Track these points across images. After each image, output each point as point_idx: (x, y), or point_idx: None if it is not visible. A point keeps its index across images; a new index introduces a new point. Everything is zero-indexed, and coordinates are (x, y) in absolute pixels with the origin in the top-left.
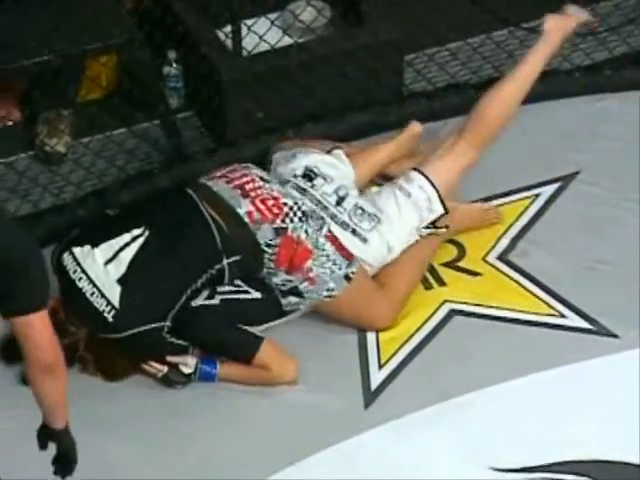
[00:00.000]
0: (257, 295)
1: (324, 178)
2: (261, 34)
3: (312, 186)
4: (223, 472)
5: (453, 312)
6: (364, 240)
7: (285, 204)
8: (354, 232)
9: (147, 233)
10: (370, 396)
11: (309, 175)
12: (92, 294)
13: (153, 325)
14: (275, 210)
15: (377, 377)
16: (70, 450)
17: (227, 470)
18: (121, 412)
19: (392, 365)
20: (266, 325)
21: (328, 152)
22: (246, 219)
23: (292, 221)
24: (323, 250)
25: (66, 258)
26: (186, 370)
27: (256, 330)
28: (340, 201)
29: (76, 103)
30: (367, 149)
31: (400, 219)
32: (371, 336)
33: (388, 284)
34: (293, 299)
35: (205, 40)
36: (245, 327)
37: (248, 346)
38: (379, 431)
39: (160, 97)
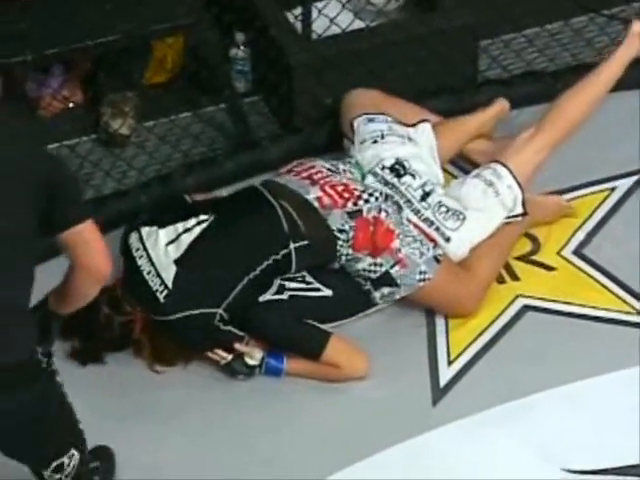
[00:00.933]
0: (328, 293)
1: (413, 175)
2: (332, 17)
3: (399, 181)
4: (286, 469)
5: (526, 308)
6: (447, 239)
7: (356, 189)
8: (437, 230)
9: (212, 219)
10: (438, 393)
11: (398, 170)
12: (149, 273)
13: (205, 310)
14: (346, 195)
15: (446, 374)
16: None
17: (290, 467)
18: (179, 403)
19: (462, 361)
20: (338, 322)
21: (413, 125)
22: (316, 204)
23: (367, 202)
24: (408, 231)
25: (132, 237)
26: (251, 362)
27: (326, 326)
28: (425, 197)
29: (141, 85)
30: (453, 120)
31: (486, 217)
32: (440, 331)
33: (472, 269)
34: (386, 289)
35: (274, 22)
36: (313, 323)
37: (316, 343)
38: (447, 429)
39: (226, 81)
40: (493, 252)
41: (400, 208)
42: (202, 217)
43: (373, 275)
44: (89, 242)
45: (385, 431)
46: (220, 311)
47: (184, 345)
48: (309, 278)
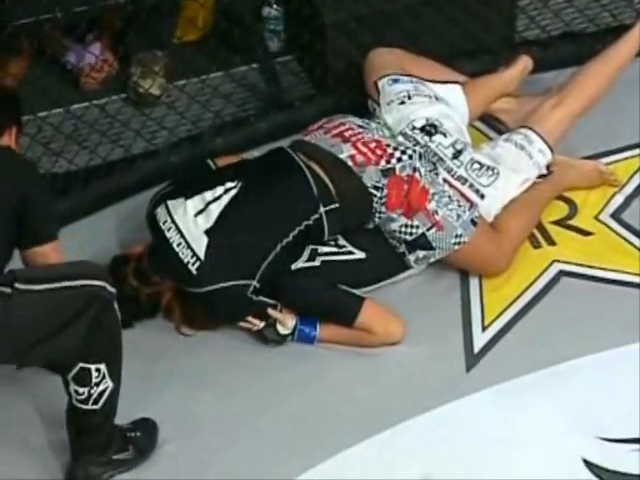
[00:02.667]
0: (361, 255)
1: (444, 134)
2: None
3: (430, 140)
4: (317, 435)
5: (562, 273)
6: (481, 196)
7: (389, 146)
8: (471, 186)
9: (239, 186)
10: (472, 359)
11: (429, 130)
12: (179, 245)
13: (238, 282)
14: (378, 152)
15: (480, 339)
16: None
17: (321, 433)
18: (210, 367)
19: (496, 327)
20: (371, 287)
21: (441, 82)
22: (349, 162)
23: (400, 160)
24: (443, 192)
25: (159, 210)
26: (283, 331)
27: (360, 291)
28: (457, 154)
29: (171, 44)
30: (479, 80)
31: (518, 177)
32: (475, 297)
33: (504, 228)
34: (421, 253)
35: None
36: (346, 288)
37: (349, 308)
38: (481, 396)
39: (259, 40)
40: (524, 212)
41: (435, 167)
42: (229, 184)
43: (408, 237)
44: (50, 260)
45: (418, 397)
46: (254, 282)
47: (215, 316)
48: (341, 241)
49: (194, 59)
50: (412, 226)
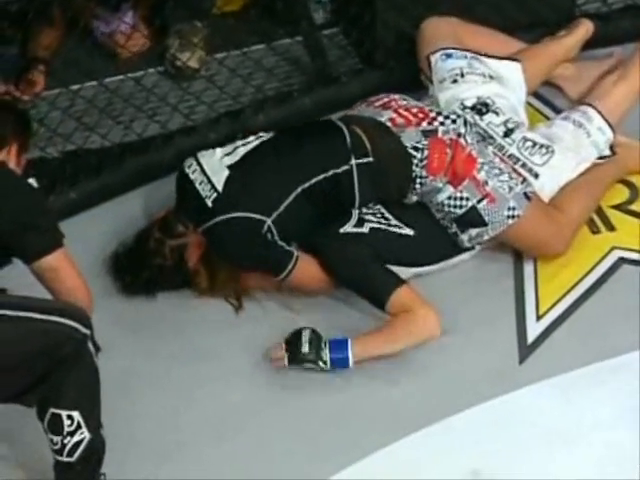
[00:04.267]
0: (409, 232)
1: (495, 112)
2: None
3: (480, 119)
4: (362, 430)
5: (622, 260)
6: (535, 175)
7: (432, 111)
8: (524, 166)
9: (272, 135)
10: (526, 350)
11: (480, 109)
12: (200, 183)
13: (252, 215)
14: (420, 115)
15: (534, 329)
16: None
17: (367, 427)
18: (239, 367)
19: (551, 317)
20: (423, 269)
21: (499, 59)
22: (388, 124)
23: (443, 124)
24: (493, 163)
25: (188, 161)
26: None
27: (411, 271)
28: (508, 133)
29: (211, 15)
30: (539, 47)
31: (576, 156)
32: (529, 284)
33: (562, 209)
34: (474, 231)
35: None
36: (390, 267)
37: (387, 286)
38: (534, 389)
39: (304, 11)
40: (584, 193)
41: (484, 140)
42: (262, 134)
43: (458, 211)
44: (59, 272)
45: (468, 390)
46: (269, 222)
47: (235, 260)
48: (387, 215)
49: (235, 31)
50: (461, 198)
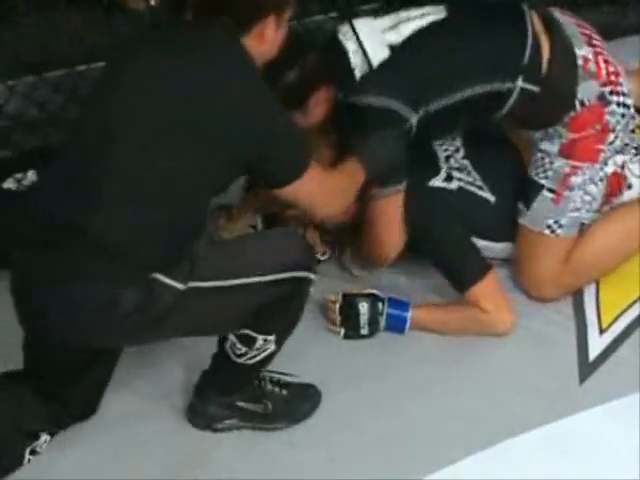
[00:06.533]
0: (490, 197)
1: None
2: None
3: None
4: (413, 453)
5: None
6: (629, 186)
7: (621, 84)
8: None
9: (444, 14)
10: (587, 368)
11: None
12: (354, 52)
13: (399, 105)
14: (612, 77)
15: (597, 345)
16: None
17: (418, 449)
18: (320, 367)
19: (616, 330)
20: (485, 242)
21: None
22: (579, 62)
23: (618, 105)
24: (596, 180)
25: (342, 27)
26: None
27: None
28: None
29: None
30: None
31: None
32: (589, 294)
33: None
34: (521, 205)
35: None
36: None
37: (473, 272)
38: (597, 412)
39: None
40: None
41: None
42: (428, 9)
43: (540, 173)
44: (313, 196)
45: (523, 413)
46: (414, 119)
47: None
48: (474, 172)
49: None
50: (546, 169)
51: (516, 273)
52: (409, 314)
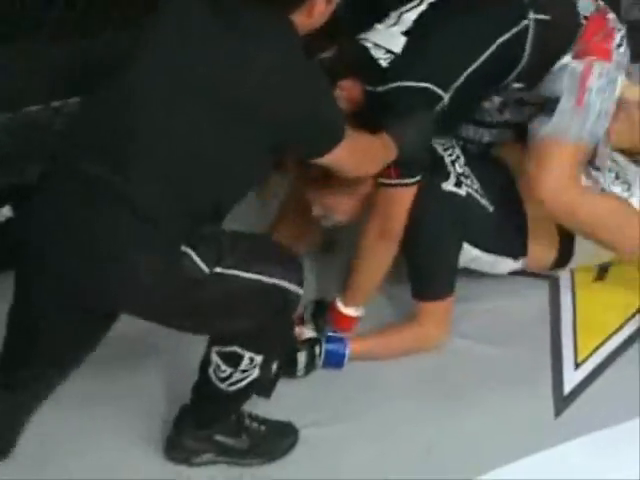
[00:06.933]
0: (489, 206)
1: None
2: None
3: None
4: None
5: None
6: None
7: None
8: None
9: None
10: (562, 402)
11: None
12: (374, 47)
13: (430, 86)
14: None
15: (572, 378)
16: None
17: None
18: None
19: (591, 364)
20: (479, 252)
21: None
22: None
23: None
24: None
25: (357, 41)
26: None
27: None
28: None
29: None
30: None
31: None
32: (567, 326)
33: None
34: (546, 120)
35: None
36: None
37: (440, 287)
38: (572, 446)
39: None
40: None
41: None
42: None
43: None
44: (348, 159)
45: (498, 447)
46: (446, 98)
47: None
48: (475, 181)
49: None
50: (566, 70)
51: (522, 183)
52: (347, 351)
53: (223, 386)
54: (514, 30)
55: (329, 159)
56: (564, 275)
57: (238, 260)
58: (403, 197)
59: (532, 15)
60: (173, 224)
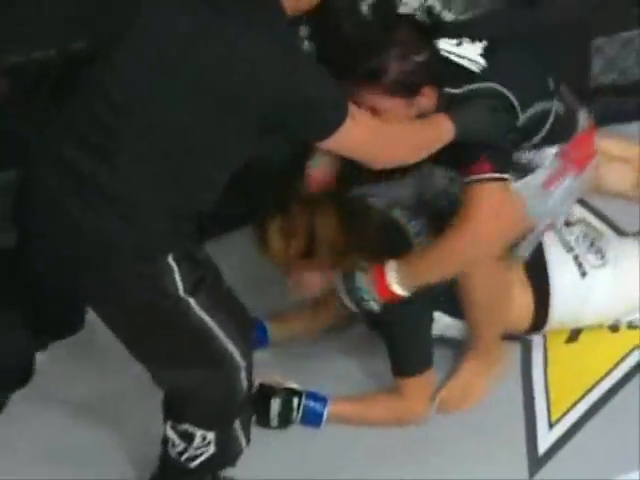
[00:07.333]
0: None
1: None
2: None
3: None
4: None
5: None
6: (582, 274)
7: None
8: (576, 258)
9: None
10: (536, 463)
11: None
12: (457, 56)
13: (511, 96)
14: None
15: (546, 439)
16: None
17: None
18: None
19: (566, 424)
20: (452, 320)
21: None
22: None
23: None
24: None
25: None
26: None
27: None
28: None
29: None
30: None
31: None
32: (539, 385)
33: None
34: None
35: None
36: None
37: (418, 363)
38: None
39: None
40: None
41: None
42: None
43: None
44: (365, 144)
45: None
46: (520, 120)
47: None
48: None
49: None
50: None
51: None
52: (326, 410)
53: (182, 459)
54: (544, 105)
55: (341, 143)
56: (536, 336)
57: (211, 303)
58: (494, 193)
59: (555, 102)
60: (158, 217)
